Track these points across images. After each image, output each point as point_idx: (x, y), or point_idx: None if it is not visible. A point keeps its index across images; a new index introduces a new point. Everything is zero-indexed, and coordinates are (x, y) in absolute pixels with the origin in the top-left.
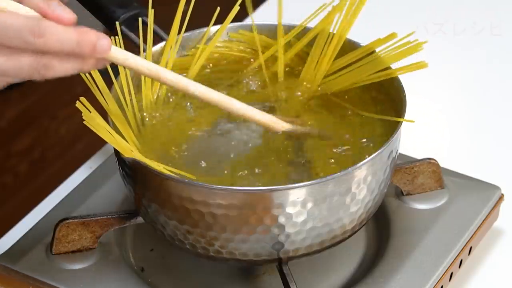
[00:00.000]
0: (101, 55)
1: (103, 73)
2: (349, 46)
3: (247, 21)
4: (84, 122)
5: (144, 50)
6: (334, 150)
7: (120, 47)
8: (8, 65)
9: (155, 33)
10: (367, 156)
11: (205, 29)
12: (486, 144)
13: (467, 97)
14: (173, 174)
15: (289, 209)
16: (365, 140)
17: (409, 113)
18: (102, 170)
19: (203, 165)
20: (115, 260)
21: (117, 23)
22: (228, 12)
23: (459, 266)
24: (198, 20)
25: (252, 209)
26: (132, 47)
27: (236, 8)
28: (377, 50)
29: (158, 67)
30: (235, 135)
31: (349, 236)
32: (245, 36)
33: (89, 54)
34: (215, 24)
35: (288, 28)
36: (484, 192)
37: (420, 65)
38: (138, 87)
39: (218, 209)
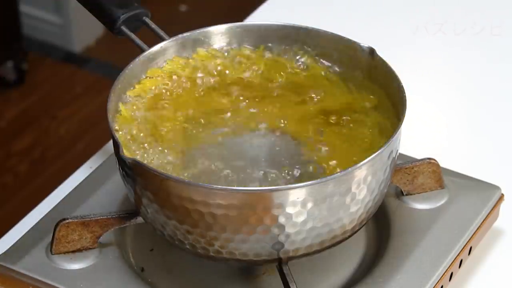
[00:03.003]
0: None
1: (105, 72)
2: (349, 46)
3: (247, 20)
4: None
5: (144, 50)
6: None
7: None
8: None
9: (155, 33)
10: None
11: (205, 29)
12: (486, 144)
13: (467, 97)
14: (172, 174)
15: (289, 209)
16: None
17: (409, 113)
18: (102, 170)
19: (198, 166)
20: (115, 260)
21: (117, 23)
22: (230, 11)
23: (459, 266)
24: (199, 20)
25: (252, 209)
26: (132, 47)
27: None
28: None
29: None
30: (232, 139)
31: (349, 236)
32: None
33: None
34: (215, 24)
35: (292, 29)
36: (484, 192)
37: None
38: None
39: (218, 209)
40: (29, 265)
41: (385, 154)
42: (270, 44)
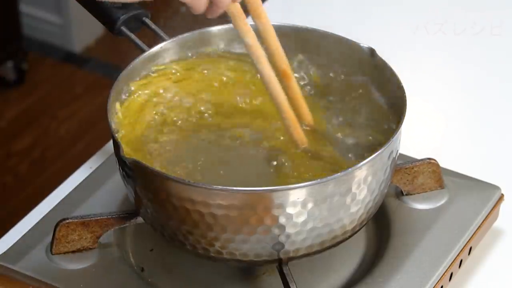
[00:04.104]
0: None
1: (105, 72)
2: (349, 46)
3: (247, 21)
4: None
5: (144, 51)
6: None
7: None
8: None
9: (155, 33)
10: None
11: (205, 30)
12: (486, 144)
13: (467, 97)
14: (173, 175)
15: (290, 210)
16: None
17: (409, 113)
18: (102, 170)
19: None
20: (115, 260)
21: (117, 23)
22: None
23: (459, 266)
24: (199, 21)
25: (253, 210)
26: (132, 47)
27: None
28: None
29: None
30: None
31: (350, 237)
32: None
33: None
34: (216, 25)
35: (292, 29)
36: (484, 192)
37: None
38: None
39: (218, 209)
40: (29, 265)
41: (385, 154)
42: None
